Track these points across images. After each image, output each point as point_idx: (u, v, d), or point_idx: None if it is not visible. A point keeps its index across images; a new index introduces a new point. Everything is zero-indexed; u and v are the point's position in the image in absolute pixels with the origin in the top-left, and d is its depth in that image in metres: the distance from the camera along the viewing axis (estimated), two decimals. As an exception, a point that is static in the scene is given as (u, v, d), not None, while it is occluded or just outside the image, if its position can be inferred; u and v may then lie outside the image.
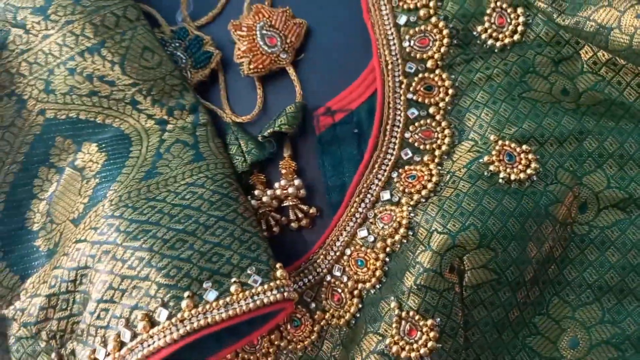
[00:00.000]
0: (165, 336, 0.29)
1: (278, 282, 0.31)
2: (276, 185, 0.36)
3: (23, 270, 0.35)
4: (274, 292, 0.31)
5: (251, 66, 0.37)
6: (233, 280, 0.31)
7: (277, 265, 0.32)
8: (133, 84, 0.35)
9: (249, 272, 0.31)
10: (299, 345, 0.34)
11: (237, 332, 0.32)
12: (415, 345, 0.31)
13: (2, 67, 0.35)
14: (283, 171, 0.36)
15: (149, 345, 0.29)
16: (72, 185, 0.35)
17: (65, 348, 0.34)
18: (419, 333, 0.31)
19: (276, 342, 0.34)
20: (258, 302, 0.30)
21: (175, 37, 0.38)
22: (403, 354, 0.31)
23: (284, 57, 0.38)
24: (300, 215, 0.36)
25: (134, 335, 0.30)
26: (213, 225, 0.32)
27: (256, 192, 0.36)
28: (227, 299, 0.30)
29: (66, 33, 0.35)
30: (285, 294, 0.31)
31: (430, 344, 0.31)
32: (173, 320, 0.29)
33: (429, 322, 0.31)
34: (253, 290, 0.30)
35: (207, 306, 0.30)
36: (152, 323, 0.30)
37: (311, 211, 0.36)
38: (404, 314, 0.32)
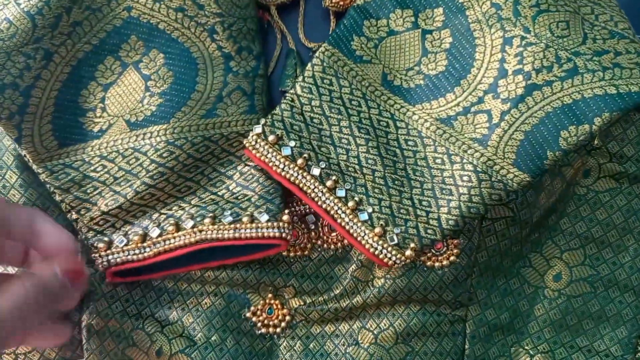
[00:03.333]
0: (185, 238, 0.36)
1: (281, 223, 0.37)
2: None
3: (62, 138, 0.38)
4: (275, 230, 0.37)
5: (333, 1, 0.41)
6: (247, 213, 0.37)
7: (285, 212, 0.38)
8: (219, 14, 0.38)
9: (261, 210, 0.37)
10: (332, 246, 0.40)
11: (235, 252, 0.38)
12: (440, 257, 0.38)
13: None
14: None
15: (170, 243, 0.36)
16: (133, 89, 0.38)
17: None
18: (444, 248, 0.38)
19: (313, 240, 0.40)
20: (259, 234, 0.37)
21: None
22: (429, 263, 0.38)
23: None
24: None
25: (160, 234, 0.36)
26: (246, 172, 0.38)
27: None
28: (238, 225, 0.36)
29: None
30: (284, 234, 0.37)
31: (452, 257, 0.38)
32: (195, 229, 0.36)
33: (455, 241, 0.38)
34: (259, 224, 0.37)
35: (222, 226, 0.36)
36: (178, 228, 0.36)
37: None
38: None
